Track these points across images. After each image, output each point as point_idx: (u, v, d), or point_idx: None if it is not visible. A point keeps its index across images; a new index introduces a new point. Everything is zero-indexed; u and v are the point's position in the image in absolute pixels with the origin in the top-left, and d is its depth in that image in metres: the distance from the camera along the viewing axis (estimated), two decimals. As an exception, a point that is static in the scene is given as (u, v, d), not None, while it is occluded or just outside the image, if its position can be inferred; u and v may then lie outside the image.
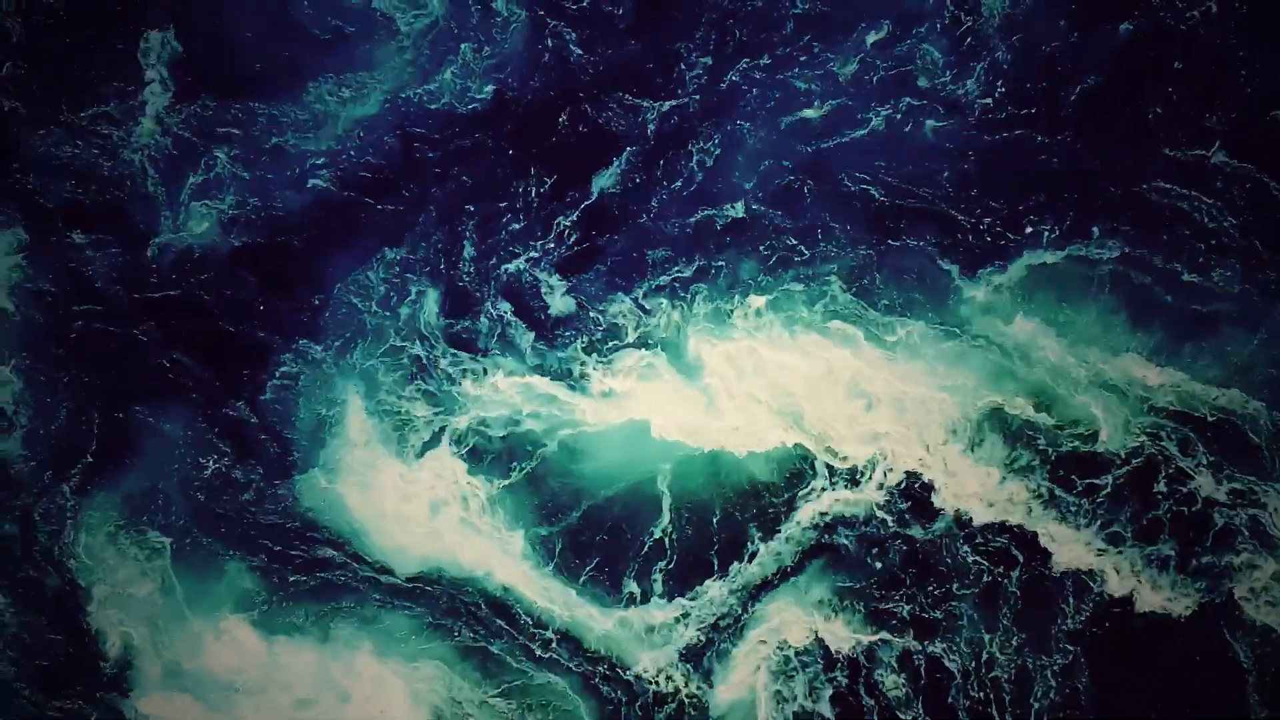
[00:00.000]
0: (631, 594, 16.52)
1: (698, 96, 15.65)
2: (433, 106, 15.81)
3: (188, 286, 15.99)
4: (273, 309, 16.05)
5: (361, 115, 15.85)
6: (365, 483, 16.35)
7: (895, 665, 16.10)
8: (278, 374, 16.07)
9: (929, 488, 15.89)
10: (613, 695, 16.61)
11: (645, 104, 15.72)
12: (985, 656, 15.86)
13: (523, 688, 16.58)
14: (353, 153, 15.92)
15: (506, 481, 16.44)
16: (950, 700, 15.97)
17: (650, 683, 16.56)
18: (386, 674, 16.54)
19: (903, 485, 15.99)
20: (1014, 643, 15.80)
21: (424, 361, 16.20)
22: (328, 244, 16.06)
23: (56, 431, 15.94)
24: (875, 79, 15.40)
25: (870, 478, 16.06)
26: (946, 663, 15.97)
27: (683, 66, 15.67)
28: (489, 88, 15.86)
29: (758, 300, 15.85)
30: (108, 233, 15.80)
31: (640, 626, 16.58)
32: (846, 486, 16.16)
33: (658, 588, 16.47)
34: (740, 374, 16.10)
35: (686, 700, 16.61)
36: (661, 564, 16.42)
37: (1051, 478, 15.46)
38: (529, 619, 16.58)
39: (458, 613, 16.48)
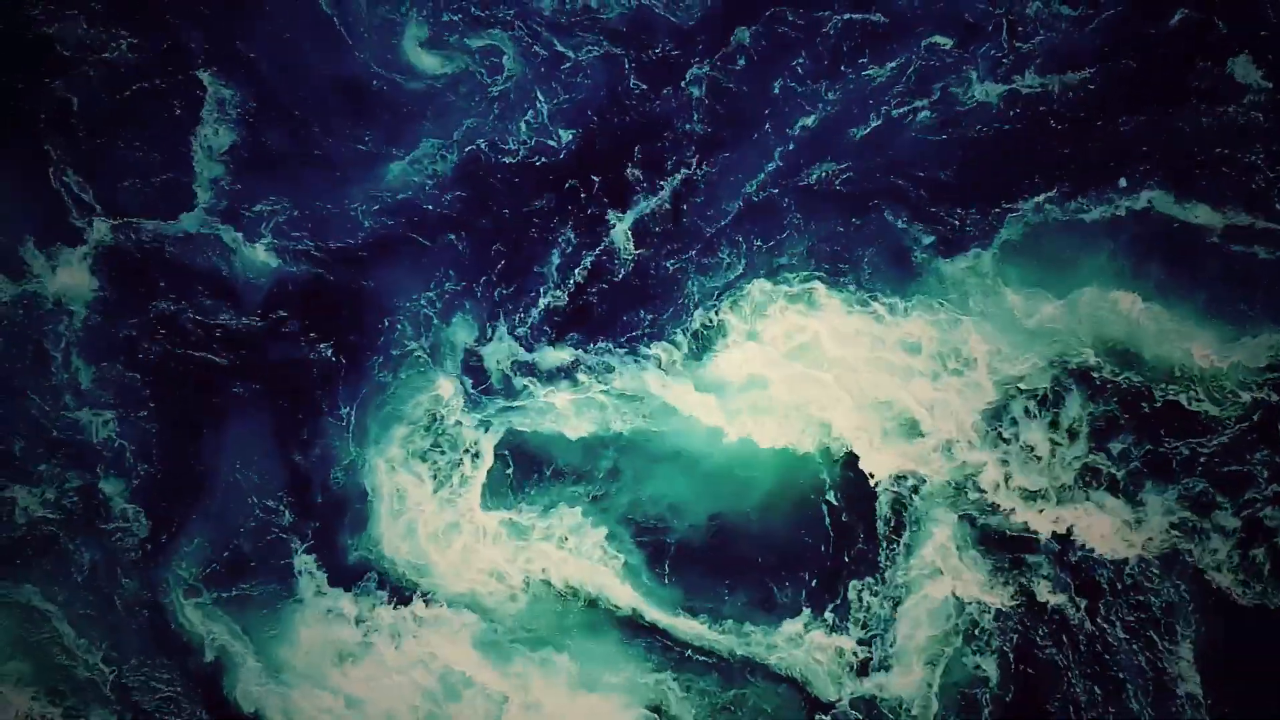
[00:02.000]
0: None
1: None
2: (505, 155, 16.28)
3: (261, 321, 16.47)
4: (350, 342, 16.55)
5: (417, 161, 16.32)
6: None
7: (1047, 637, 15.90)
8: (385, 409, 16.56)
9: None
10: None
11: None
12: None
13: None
14: (411, 194, 16.37)
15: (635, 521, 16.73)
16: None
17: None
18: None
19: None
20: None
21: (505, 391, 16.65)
22: (393, 277, 16.49)
23: (148, 470, 16.46)
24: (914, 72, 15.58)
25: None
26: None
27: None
28: (565, 135, 16.31)
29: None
30: (179, 266, 16.35)
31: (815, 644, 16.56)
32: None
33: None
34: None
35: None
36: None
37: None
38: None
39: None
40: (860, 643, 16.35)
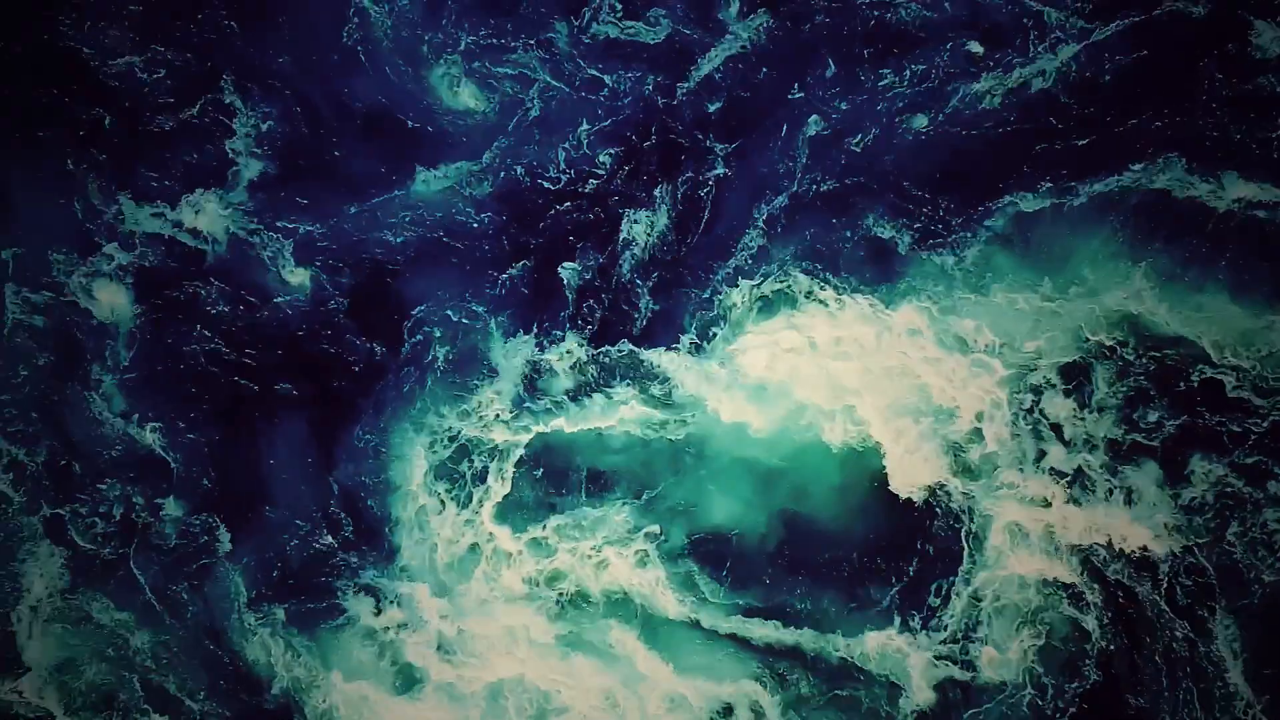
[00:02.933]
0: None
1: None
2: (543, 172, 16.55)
3: (297, 338, 16.62)
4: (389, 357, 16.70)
5: (449, 186, 16.59)
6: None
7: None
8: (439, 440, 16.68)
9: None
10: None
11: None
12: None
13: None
14: (441, 212, 16.58)
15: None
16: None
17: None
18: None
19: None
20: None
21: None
22: (425, 291, 16.68)
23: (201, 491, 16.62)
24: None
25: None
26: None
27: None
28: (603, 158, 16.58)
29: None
30: (217, 291, 16.50)
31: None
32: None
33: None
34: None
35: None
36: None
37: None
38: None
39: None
40: (934, 631, 16.34)
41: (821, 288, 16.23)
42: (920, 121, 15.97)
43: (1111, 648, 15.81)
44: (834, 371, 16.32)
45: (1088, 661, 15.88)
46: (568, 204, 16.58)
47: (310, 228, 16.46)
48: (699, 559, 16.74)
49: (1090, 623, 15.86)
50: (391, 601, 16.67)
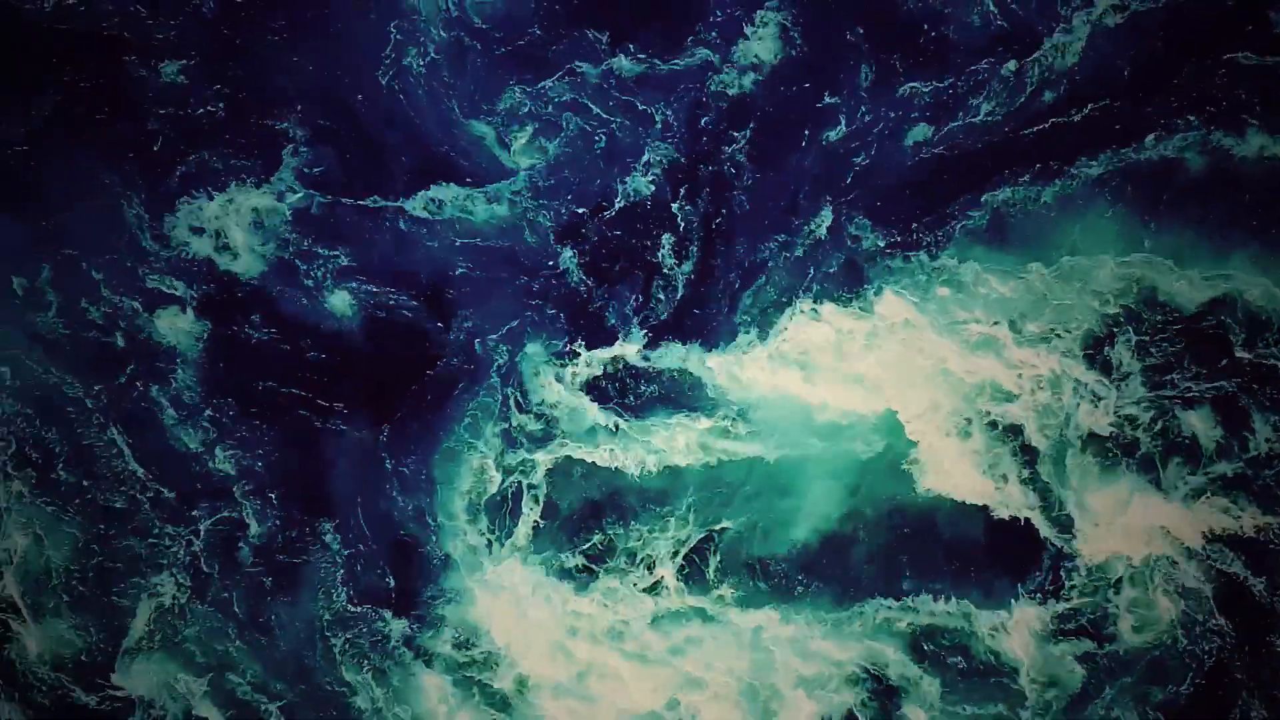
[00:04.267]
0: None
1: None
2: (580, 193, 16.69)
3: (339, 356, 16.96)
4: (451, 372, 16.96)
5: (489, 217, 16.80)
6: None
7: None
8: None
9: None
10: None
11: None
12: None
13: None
14: (486, 240, 16.80)
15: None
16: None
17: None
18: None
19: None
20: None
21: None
22: (470, 316, 16.89)
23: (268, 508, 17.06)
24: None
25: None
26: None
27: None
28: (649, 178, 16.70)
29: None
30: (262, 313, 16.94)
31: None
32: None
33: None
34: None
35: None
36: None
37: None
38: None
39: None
40: (1055, 605, 16.26)
41: (865, 293, 16.22)
42: (923, 132, 15.95)
43: (1211, 623, 15.66)
44: (896, 370, 16.27)
45: (1188, 638, 15.75)
46: (608, 226, 16.67)
47: (351, 254, 16.77)
48: (796, 566, 16.88)
49: (1191, 598, 15.75)
50: (462, 636, 17.10)
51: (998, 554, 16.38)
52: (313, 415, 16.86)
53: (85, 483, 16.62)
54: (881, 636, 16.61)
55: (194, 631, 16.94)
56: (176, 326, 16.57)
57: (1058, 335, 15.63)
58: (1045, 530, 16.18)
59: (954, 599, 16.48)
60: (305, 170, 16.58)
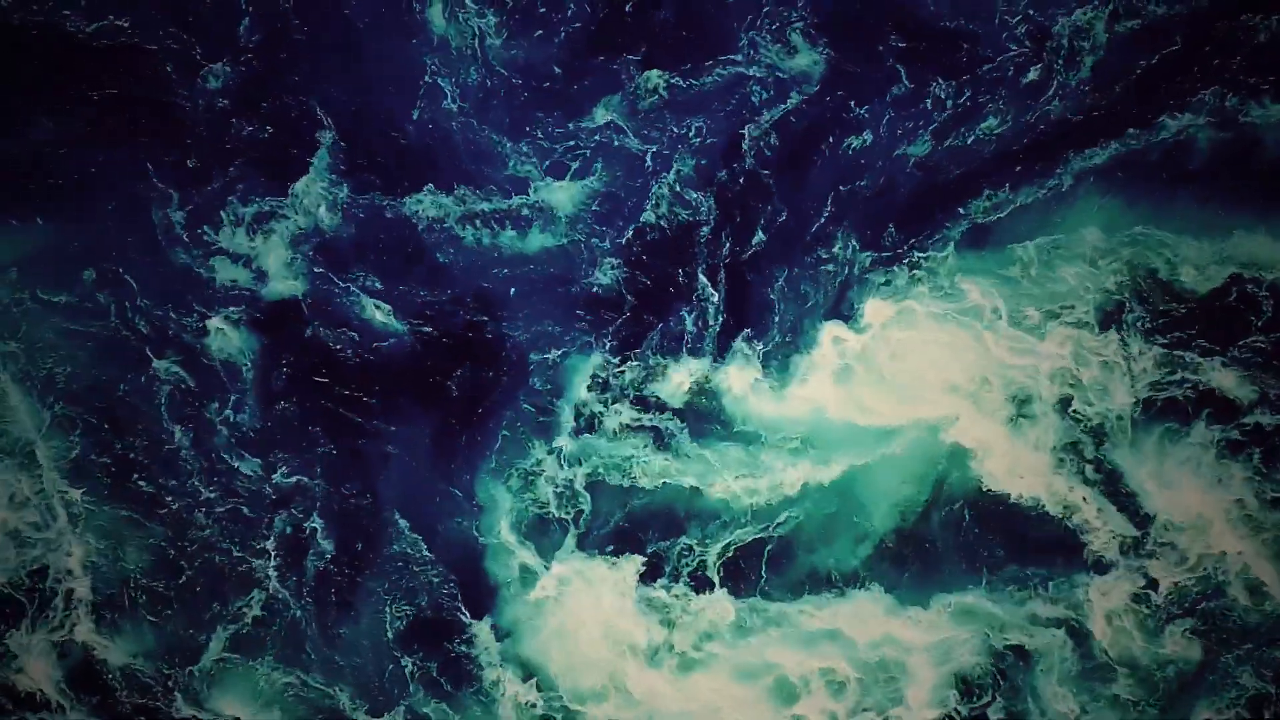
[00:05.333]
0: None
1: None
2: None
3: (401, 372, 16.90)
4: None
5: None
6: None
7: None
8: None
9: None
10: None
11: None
12: None
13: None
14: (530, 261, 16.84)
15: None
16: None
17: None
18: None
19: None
20: None
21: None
22: (516, 334, 16.87)
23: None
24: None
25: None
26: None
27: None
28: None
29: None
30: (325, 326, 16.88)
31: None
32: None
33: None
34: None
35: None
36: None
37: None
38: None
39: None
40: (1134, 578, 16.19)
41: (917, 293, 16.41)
42: (945, 137, 16.31)
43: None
44: (936, 373, 16.41)
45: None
46: (651, 247, 16.75)
47: (389, 278, 16.78)
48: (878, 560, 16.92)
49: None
50: (521, 658, 16.94)
51: (1071, 537, 16.34)
52: (362, 435, 16.80)
53: (156, 493, 16.50)
54: (979, 626, 16.49)
55: (261, 652, 16.77)
56: (227, 342, 16.48)
57: (1086, 320, 15.93)
58: (1118, 509, 16.13)
59: (1045, 584, 16.36)
60: (350, 193, 16.63)
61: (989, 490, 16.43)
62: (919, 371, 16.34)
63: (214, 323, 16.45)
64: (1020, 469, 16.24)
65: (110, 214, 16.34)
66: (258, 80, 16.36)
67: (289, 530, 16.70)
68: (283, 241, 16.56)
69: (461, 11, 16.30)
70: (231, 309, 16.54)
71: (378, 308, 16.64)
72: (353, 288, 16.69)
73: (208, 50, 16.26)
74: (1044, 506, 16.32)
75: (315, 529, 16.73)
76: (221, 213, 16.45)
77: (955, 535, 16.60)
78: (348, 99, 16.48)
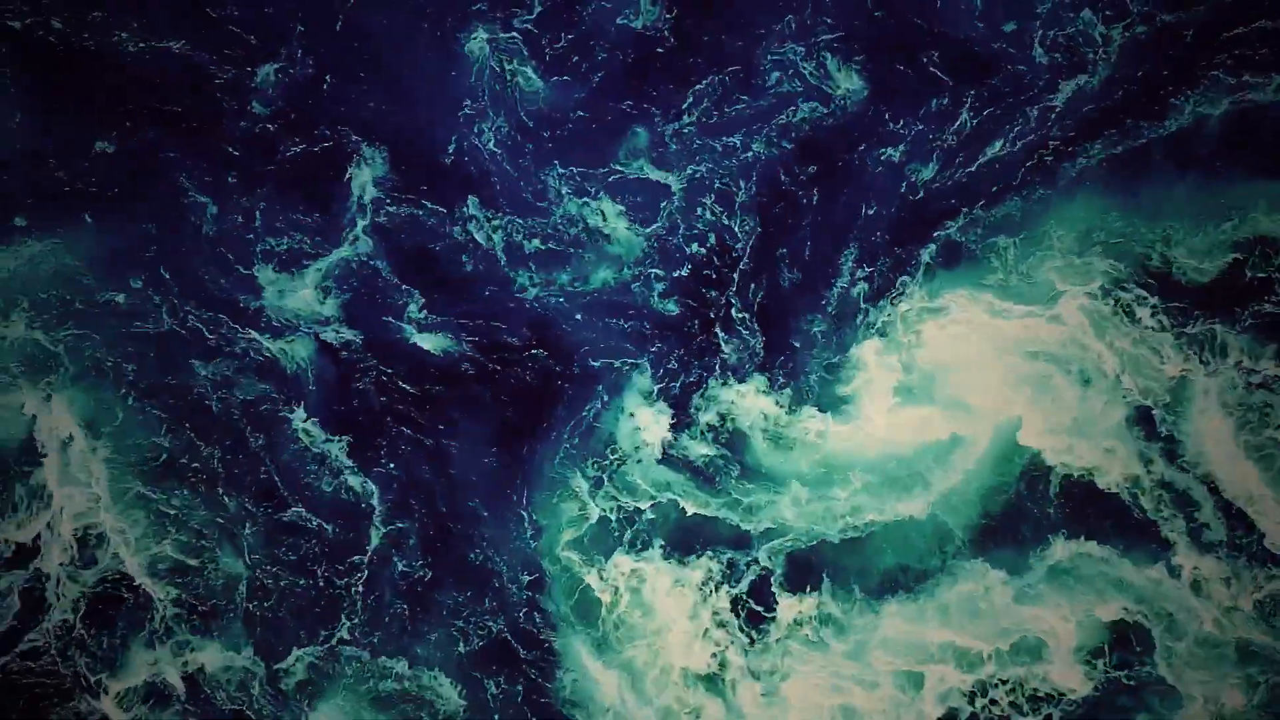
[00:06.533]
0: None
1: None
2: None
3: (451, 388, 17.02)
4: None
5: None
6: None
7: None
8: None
9: None
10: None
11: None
12: None
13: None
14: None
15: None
16: None
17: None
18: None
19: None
20: None
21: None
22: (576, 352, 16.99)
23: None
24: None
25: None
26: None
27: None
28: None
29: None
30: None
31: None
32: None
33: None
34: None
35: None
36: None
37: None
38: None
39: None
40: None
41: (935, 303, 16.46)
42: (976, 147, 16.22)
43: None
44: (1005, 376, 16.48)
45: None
46: (704, 270, 16.82)
47: (457, 300, 16.88)
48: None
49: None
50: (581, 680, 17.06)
51: (1148, 522, 16.39)
52: (428, 454, 16.93)
53: (250, 508, 16.72)
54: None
55: (343, 670, 16.89)
56: (294, 360, 16.53)
57: (1135, 313, 15.91)
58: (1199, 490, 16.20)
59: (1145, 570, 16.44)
60: (405, 223, 16.72)
61: (1070, 476, 16.47)
62: (971, 379, 16.44)
63: (278, 344, 16.47)
64: (1100, 468, 16.34)
65: (161, 223, 16.37)
66: (304, 101, 16.42)
67: (380, 542, 16.83)
68: (333, 265, 16.61)
69: (499, 53, 16.47)
70: (299, 331, 16.62)
71: (436, 335, 16.77)
72: (406, 313, 16.81)
73: (258, 73, 16.35)
74: (1128, 487, 16.34)
75: (397, 547, 16.87)
76: (284, 237, 16.57)
77: (1039, 523, 16.68)
78: (397, 122, 16.54)
